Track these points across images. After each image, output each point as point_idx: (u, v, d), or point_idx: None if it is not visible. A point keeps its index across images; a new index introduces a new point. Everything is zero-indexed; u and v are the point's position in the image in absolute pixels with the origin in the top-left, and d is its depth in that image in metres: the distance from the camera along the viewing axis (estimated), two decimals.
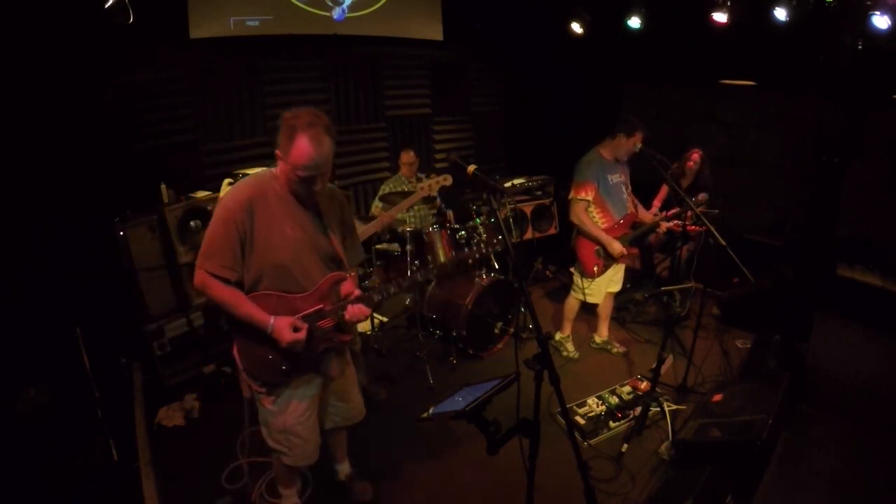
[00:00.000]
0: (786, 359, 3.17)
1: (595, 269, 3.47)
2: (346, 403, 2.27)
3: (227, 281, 1.80)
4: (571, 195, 3.43)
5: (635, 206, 3.59)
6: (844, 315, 4.08)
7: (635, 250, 3.59)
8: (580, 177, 3.39)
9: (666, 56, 5.14)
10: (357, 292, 1.98)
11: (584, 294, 3.61)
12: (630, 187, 3.58)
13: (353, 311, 1.94)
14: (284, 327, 1.80)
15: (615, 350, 3.88)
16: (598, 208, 3.42)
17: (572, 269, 3.69)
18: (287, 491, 2.39)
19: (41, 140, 3.26)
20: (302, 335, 1.83)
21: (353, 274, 2.04)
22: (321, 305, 1.91)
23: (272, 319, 1.80)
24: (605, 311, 3.84)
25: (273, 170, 1.88)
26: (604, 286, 3.59)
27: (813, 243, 3.98)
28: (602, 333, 3.93)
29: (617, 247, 3.37)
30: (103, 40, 3.40)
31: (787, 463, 2.63)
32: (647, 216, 3.65)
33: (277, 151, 1.78)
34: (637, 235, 3.52)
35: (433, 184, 3.15)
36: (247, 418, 2.41)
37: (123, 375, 3.46)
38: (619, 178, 3.45)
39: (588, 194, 3.36)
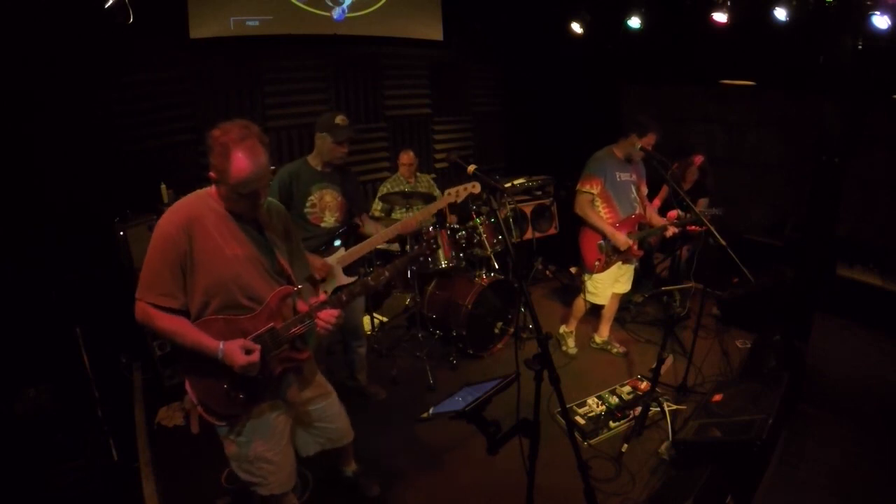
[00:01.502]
0: (786, 359, 3.17)
1: (597, 263, 3.45)
2: (327, 424, 2.17)
3: (170, 310, 1.70)
4: (577, 187, 3.47)
5: (644, 209, 3.57)
6: (844, 315, 4.08)
7: (641, 252, 3.55)
8: (587, 170, 3.44)
9: (666, 56, 5.14)
10: (322, 297, 1.92)
11: (587, 293, 3.60)
12: (644, 190, 3.58)
13: (323, 316, 1.85)
14: (235, 350, 1.68)
15: (615, 350, 3.87)
16: (604, 203, 3.43)
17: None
18: (284, 500, 2.27)
19: (41, 140, 3.26)
20: (255, 357, 1.71)
21: (299, 287, 1.93)
22: (272, 324, 1.80)
23: (221, 344, 1.69)
24: (609, 312, 3.83)
25: (207, 189, 1.79)
26: (608, 288, 3.58)
27: (813, 243, 3.98)
28: (602, 334, 3.93)
29: (622, 238, 3.34)
30: (103, 40, 3.40)
31: (787, 463, 2.64)
32: (656, 219, 3.61)
33: (211, 174, 1.70)
34: (643, 236, 3.50)
35: (461, 190, 3.01)
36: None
37: (123, 375, 3.47)
38: (628, 177, 3.46)
39: (593, 188, 3.39)
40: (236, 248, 1.75)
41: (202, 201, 1.77)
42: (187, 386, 1.83)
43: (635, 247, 3.44)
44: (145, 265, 1.71)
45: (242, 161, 1.64)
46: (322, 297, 1.94)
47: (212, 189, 1.77)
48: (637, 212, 3.49)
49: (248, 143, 1.65)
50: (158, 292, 1.69)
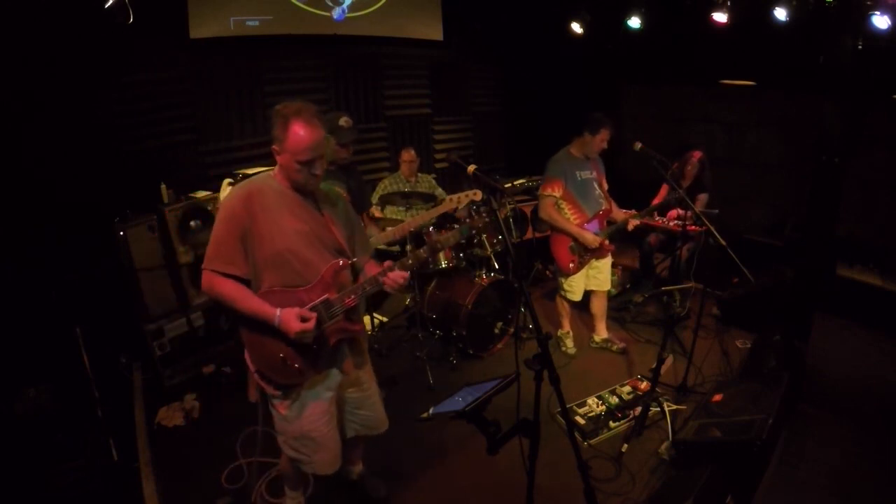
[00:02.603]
0: (786, 359, 3.17)
1: (571, 265, 3.52)
2: (366, 412, 2.23)
3: (233, 277, 1.81)
4: (539, 192, 3.55)
5: (609, 203, 3.62)
6: (844, 315, 4.08)
7: (613, 247, 3.63)
8: (547, 173, 3.52)
9: (666, 56, 5.14)
10: (388, 262, 1.99)
11: (563, 290, 3.67)
12: (605, 185, 3.64)
13: (393, 276, 1.94)
14: (291, 317, 1.77)
15: (615, 347, 3.88)
16: (569, 205, 3.48)
17: (548, 271, 3.69)
18: (293, 493, 2.37)
19: (41, 140, 3.26)
20: (310, 325, 1.79)
21: (354, 259, 2.01)
22: (326, 295, 1.88)
23: (278, 311, 1.78)
24: (599, 311, 3.86)
25: (271, 171, 1.91)
26: (582, 282, 3.63)
27: (813, 243, 3.98)
28: (600, 332, 3.94)
29: (589, 237, 3.41)
30: (103, 40, 3.40)
31: (787, 463, 2.64)
32: (619, 213, 3.66)
33: (274, 146, 1.81)
34: (610, 232, 3.55)
35: (462, 197, 3.03)
36: (261, 414, 2.33)
37: (123, 375, 3.47)
38: (589, 175, 3.51)
39: (555, 191, 3.45)
40: (295, 222, 1.85)
41: (264, 180, 1.88)
42: (246, 354, 1.93)
43: (606, 242, 3.52)
44: (212, 239, 1.83)
45: (300, 130, 1.75)
46: (388, 263, 2.01)
47: (275, 170, 1.89)
48: (603, 208, 3.55)
49: (306, 116, 1.77)
50: (223, 261, 1.81)
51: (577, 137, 3.49)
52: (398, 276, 1.94)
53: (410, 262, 1.99)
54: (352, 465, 2.57)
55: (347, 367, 2.06)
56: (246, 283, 1.84)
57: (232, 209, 1.81)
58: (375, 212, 4.32)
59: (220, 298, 1.82)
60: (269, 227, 1.81)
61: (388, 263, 1.99)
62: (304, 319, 1.79)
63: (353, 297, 1.91)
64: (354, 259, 2.00)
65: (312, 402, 1.97)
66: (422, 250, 2.04)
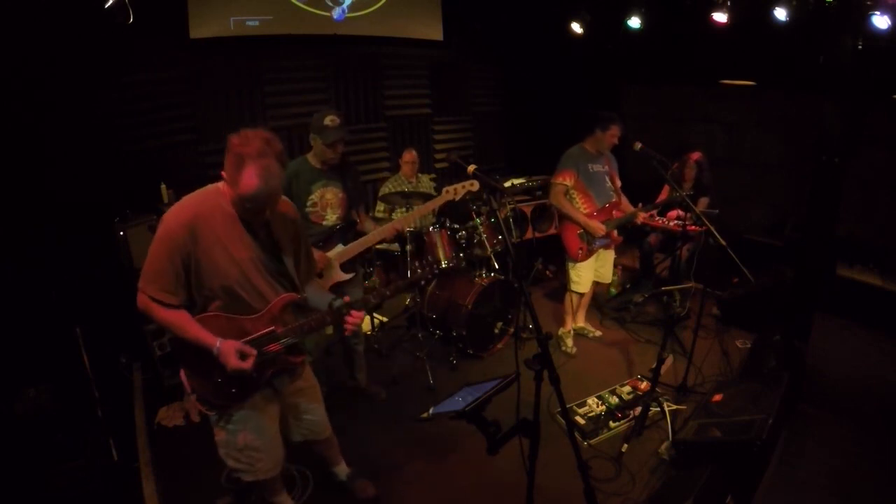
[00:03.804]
0: (786, 359, 3.17)
1: (579, 252, 3.60)
2: (310, 417, 2.20)
3: (169, 305, 1.71)
4: (552, 180, 3.65)
5: (619, 197, 3.73)
6: (844, 315, 4.08)
7: (620, 239, 3.73)
8: (560, 165, 3.62)
9: (666, 56, 5.14)
10: (346, 299, 1.95)
11: (571, 282, 3.73)
12: (618, 182, 3.76)
13: (352, 320, 1.90)
14: (230, 353, 1.70)
15: (591, 334, 4.06)
16: (580, 194, 3.59)
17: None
18: (278, 498, 2.31)
19: (41, 140, 3.26)
20: (248, 364, 1.73)
21: (305, 295, 1.95)
22: (272, 328, 1.82)
23: (218, 342, 1.71)
24: (585, 300, 3.97)
25: (219, 185, 1.77)
26: (589, 275, 3.71)
27: (813, 243, 3.98)
28: (579, 320, 4.06)
29: (596, 224, 3.51)
30: (103, 40, 3.40)
31: (787, 463, 2.64)
32: (628, 207, 3.75)
33: (223, 173, 1.68)
34: (618, 223, 3.62)
35: (459, 188, 2.99)
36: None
37: (123, 375, 3.47)
38: (601, 168, 3.63)
39: (566, 180, 3.55)
40: (242, 250, 1.76)
41: (211, 199, 1.75)
42: (182, 375, 1.86)
43: (614, 233, 3.61)
44: (148, 258, 1.71)
45: (253, 179, 1.61)
46: (346, 299, 1.96)
47: (224, 186, 1.74)
48: (613, 200, 3.66)
49: (264, 163, 1.61)
50: (159, 287, 1.70)
51: (589, 135, 3.61)
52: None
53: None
54: (335, 466, 2.55)
55: (286, 386, 2.03)
56: (185, 307, 1.75)
57: (173, 234, 1.67)
58: (378, 212, 4.33)
59: (159, 323, 1.75)
60: (216, 256, 1.71)
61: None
62: (243, 356, 1.72)
63: (294, 335, 1.86)
64: (304, 294, 1.94)
65: (252, 417, 1.93)
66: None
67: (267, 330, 1.81)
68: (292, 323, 1.88)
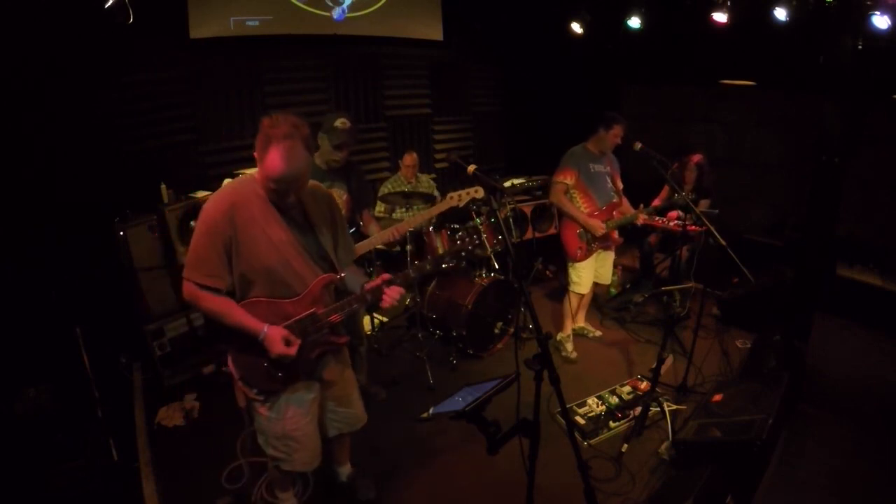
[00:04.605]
0: (786, 359, 3.17)
1: (579, 251, 3.59)
2: (346, 409, 2.23)
3: (216, 290, 1.76)
4: (552, 179, 3.64)
5: (620, 198, 3.71)
6: (844, 315, 4.08)
7: (621, 240, 3.73)
8: (562, 164, 3.62)
9: (666, 56, 5.14)
10: (386, 276, 1.97)
11: (571, 283, 3.72)
12: (620, 183, 3.74)
13: (390, 293, 1.94)
14: (276, 339, 1.76)
15: (591, 334, 4.06)
16: (580, 194, 3.58)
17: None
18: (284, 494, 2.36)
19: (41, 140, 3.26)
20: (293, 350, 1.79)
21: (343, 275, 1.99)
22: (313, 309, 1.87)
23: (265, 328, 1.76)
24: (585, 300, 3.97)
25: (254, 173, 1.84)
26: (590, 275, 3.69)
27: (813, 243, 3.98)
28: (579, 320, 4.06)
29: (596, 223, 3.50)
30: (103, 40, 3.40)
31: (787, 463, 2.64)
32: (629, 209, 3.74)
33: (255, 154, 1.74)
34: (618, 223, 3.61)
35: (463, 195, 3.00)
36: (247, 419, 2.39)
37: (123, 375, 3.47)
38: (602, 168, 3.62)
39: (567, 178, 3.54)
40: (280, 233, 1.80)
41: (247, 186, 1.80)
42: (229, 360, 1.91)
43: (615, 234, 3.61)
44: (191, 248, 1.77)
45: (277, 159, 1.66)
46: (385, 276, 1.99)
47: (258, 173, 1.79)
48: (614, 200, 3.64)
49: (289, 143, 1.66)
50: (206, 273, 1.75)
51: (592, 135, 3.60)
52: (396, 292, 1.95)
53: (413, 274, 1.99)
54: (340, 465, 2.56)
55: (329, 374, 2.07)
56: (230, 293, 1.81)
57: (213, 220, 1.74)
58: (378, 212, 4.32)
59: (206, 312, 1.80)
60: (256, 240, 1.76)
61: (385, 277, 1.97)
62: (288, 343, 1.78)
63: (339, 314, 1.92)
64: (342, 274, 1.98)
65: (294, 406, 1.97)
66: (426, 263, 2.05)
67: (308, 312, 1.86)
68: (332, 304, 1.93)
